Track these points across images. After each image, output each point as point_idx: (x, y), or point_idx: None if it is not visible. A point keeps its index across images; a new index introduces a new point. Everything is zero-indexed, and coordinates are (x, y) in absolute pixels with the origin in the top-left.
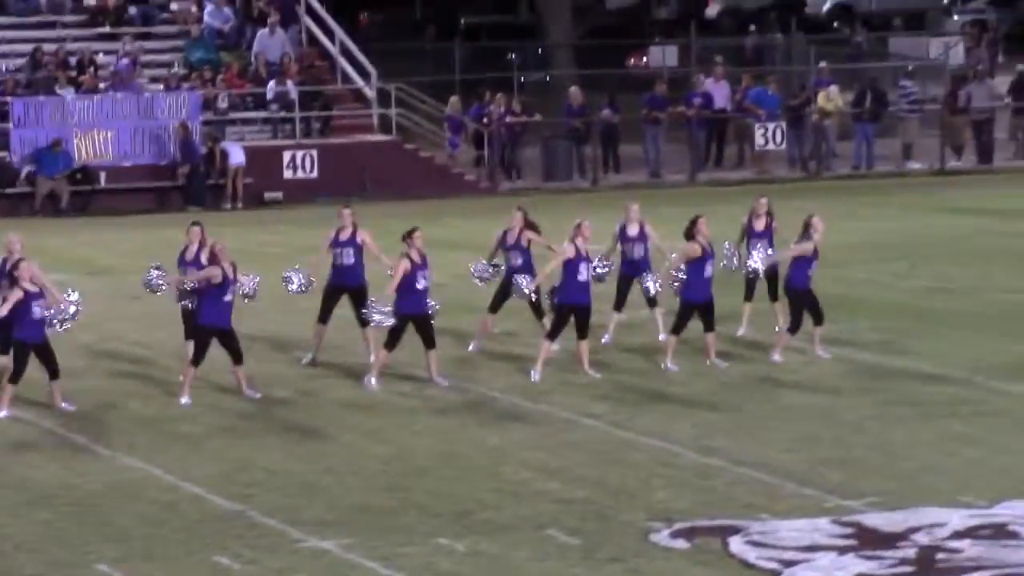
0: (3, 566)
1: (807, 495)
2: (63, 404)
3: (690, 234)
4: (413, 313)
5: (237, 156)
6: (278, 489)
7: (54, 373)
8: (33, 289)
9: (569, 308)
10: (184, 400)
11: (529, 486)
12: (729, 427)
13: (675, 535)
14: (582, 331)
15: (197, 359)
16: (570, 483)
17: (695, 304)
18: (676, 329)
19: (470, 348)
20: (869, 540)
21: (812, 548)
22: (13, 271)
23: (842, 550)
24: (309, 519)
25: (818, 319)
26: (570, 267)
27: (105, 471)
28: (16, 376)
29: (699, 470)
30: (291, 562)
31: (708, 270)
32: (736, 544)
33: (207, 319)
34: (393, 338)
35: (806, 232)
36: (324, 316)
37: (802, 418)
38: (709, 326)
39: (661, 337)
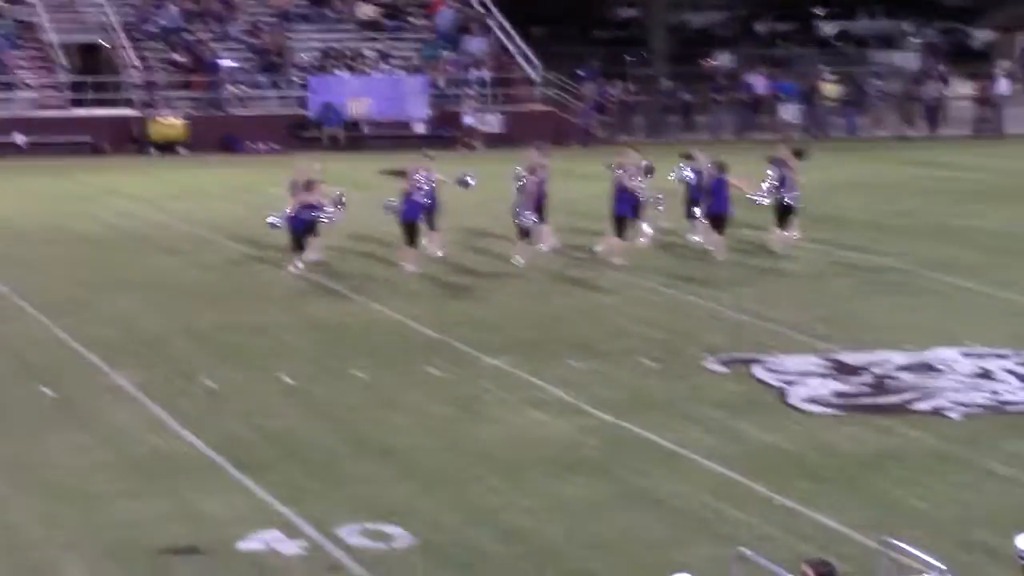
0: (286, 366)
1: (804, 341)
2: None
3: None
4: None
5: (467, 119)
6: (468, 324)
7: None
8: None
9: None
10: (410, 268)
11: (627, 329)
12: (755, 295)
13: (719, 363)
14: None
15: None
16: (653, 327)
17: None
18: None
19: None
20: (843, 370)
21: (805, 374)
22: (310, 185)
23: (824, 376)
24: (488, 346)
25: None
26: None
27: (357, 312)
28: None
29: (736, 323)
30: (474, 372)
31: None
32: (758, 370)
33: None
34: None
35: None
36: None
37: (803, 291)
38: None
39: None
